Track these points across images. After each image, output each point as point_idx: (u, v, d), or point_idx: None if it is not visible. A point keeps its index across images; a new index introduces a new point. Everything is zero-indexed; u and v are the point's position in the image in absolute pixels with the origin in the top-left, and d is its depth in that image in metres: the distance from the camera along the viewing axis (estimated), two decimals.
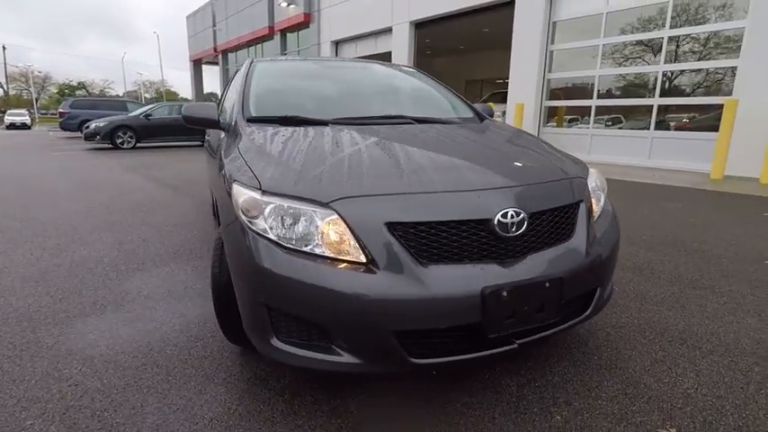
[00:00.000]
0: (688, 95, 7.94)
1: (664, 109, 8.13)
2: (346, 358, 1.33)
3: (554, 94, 9.96)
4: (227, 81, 25.69)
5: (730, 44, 7.12)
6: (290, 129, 1.96)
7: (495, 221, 1.38)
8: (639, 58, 8.48)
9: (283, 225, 1.38)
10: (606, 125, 9.13)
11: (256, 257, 1.35)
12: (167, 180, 6.77)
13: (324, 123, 2.08)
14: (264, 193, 1.42)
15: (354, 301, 1.27)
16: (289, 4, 17.54)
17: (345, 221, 1.34)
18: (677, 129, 8.02)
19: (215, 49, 25.15)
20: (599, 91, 9.05)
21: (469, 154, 1.83)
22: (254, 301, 1.40)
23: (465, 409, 1.53)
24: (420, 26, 13.16)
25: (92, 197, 5.36)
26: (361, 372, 1.36)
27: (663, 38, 7.93)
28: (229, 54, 25.01)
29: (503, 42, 12.17)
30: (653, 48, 8.22)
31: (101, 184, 6.41)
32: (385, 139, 1.87)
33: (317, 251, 1.34)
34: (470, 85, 20.73)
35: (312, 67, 2.88)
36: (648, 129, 8.24)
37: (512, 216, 1.40)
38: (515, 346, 1.42)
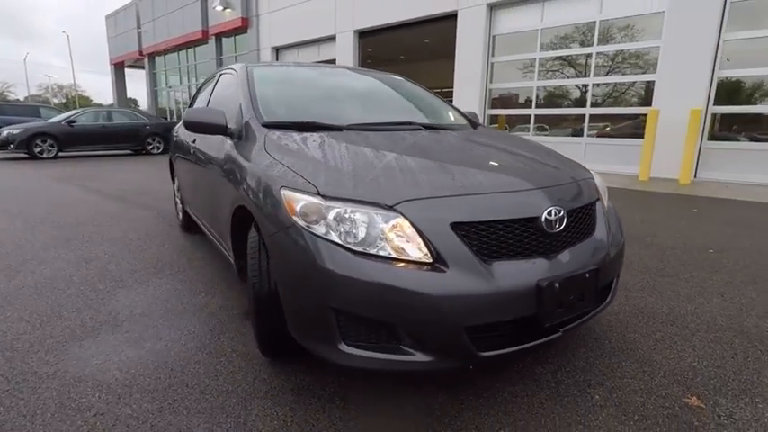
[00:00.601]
0: (615, 106, 8.81)
1: (590, 118, 8.94)
2: (418, 357, 1.36)
3: (494, 103, 10.56)
4: (155, 86, 24.28)
5: (651, 60, 8.03)
6: (318, 134, 1.95)
7: (542, 219, 1.50)
8: (573, 70, 9.27)
9: (348, 229, 1.38)
10: (541, 132, 9.86)
11: (327, 262, 1.34)
12: (111, 192, 6.24)
13: (338, 129, 2.08)
14: (325, 198, 1.42)
15: (428, 299, 1.30)
16: (225, 8, 16.94)
17: (412, 223, 1.37)
18: (598, 136, 8.88)
19: (140, 52, 23.55)
20: (537, 101, 9.75)
21: (497, 157, 1.93)
22: (322, 307, 1.38)
23: (513, 398, 1.62)
24: (364, 35, 13.34)
25: (29, 212, 4.81)
26: (431, 369, 1.39)
27: (592, 53, 8.75)
28: (157, 58, 23.55)
29: (443, 53, 12.72)
30: (583, 62, 9.03)
31: (34, 197, 5.76)
32: (416, 144, 1.92)
33: (383, 253, 1.36)
34: None
35: (310, 74, 2.85)
36: (582, 135, 9.02)
37: (555, 213, 1.52)
38: (560, 333, 1.54)
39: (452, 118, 2.77)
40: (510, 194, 1.53)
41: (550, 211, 1.52)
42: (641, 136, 7.81)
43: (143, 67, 24.86)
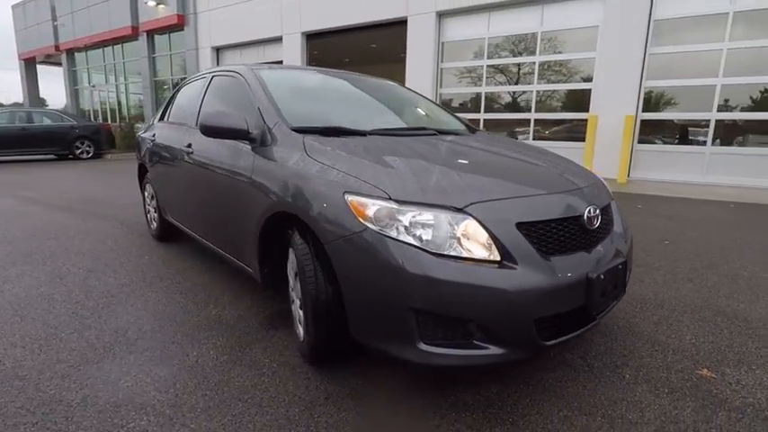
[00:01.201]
0: (558, 111, 9.52)
1: (534, 122, 9.59)
2: (492, 350, 1.44)
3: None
4: (75, 84, 22.21)
5: (588, 69, 8.78)
6: (357, 138, 1.96)
7: (585, 217, 1.64)
8: (517, 76, 9.88)
9: (422, 231, 1.43)
10: None
11: (406, 264, 1.38)
12: (51, 201, 5.67)
13: (362, 134, 2.11)
14: (398, 202, 1.45)
15: (505, 295, 1.39)
16: (158, 4, 15.93)
17: (482, 224, 1.45)
18: (537, 139, 9.57)
19: (57, 47, 21.41)
20: (486, 105, 10.25)
21: (528, 161, 2.05)
22: (400, 308, 1.41)
23: (557, 383, 1.75)
24: (311, 37, 13.21)
25: None
26: (503, 361, 1.47)
27: (535, 62, 9.38)
28: (77, 54, 21.57)
29: (389, 57, 12.95)
30: (528, 70, 9.65)
31: None
32: (452, 150, 2.01)
33: (455, 253, 1.43)
34: None
35: (315, 78, 2.82)
36: (528, 139, 9.63)
37: (593, 211, 1.68)
38: (597, 321, 1.69)
39: (454, 123, 2.88)
40: (559, 195, 1.67)
41: (589, 209, 1.67)
42: (577, 139, 8.51)
43: (59, 64, 22.65)
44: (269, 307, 2.44)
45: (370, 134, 2.13)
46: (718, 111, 7.64)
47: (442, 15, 10.33)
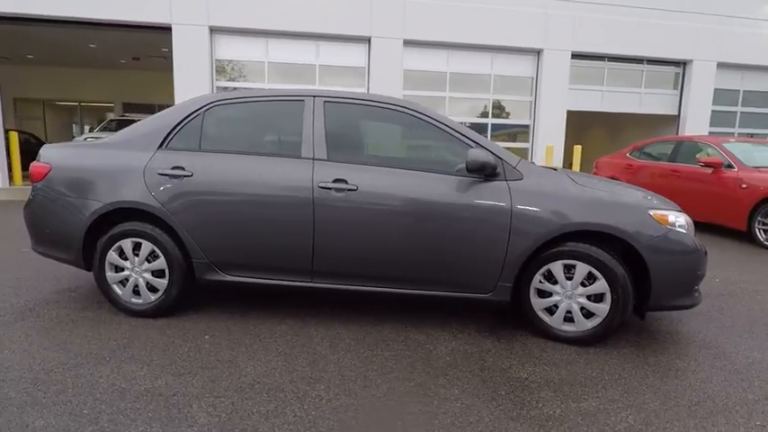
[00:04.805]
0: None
1: None
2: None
3: None
4: None
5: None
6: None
7: None
8: None
9: (685, 224, 2.52)
10: None
11: (690, 244, 2.47)
12: None
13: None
14: (675, 211, 2.49)
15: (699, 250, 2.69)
16: None
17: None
18: None
19: None
20: None
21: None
22: (695, 276, 2.50)
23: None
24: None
25: None
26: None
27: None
28: None
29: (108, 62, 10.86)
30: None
31: None
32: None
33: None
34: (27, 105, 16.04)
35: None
36: None
37: None
38: None
39: None
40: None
41: None
42: None
43: None
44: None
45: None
46: None
47: (214, 31, 9.82)
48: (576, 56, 10.96)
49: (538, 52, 10.95)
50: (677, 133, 11.68)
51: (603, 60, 11.37)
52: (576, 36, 10.82)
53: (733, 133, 11.99)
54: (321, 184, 2.55)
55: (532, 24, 10.65)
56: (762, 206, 5.27)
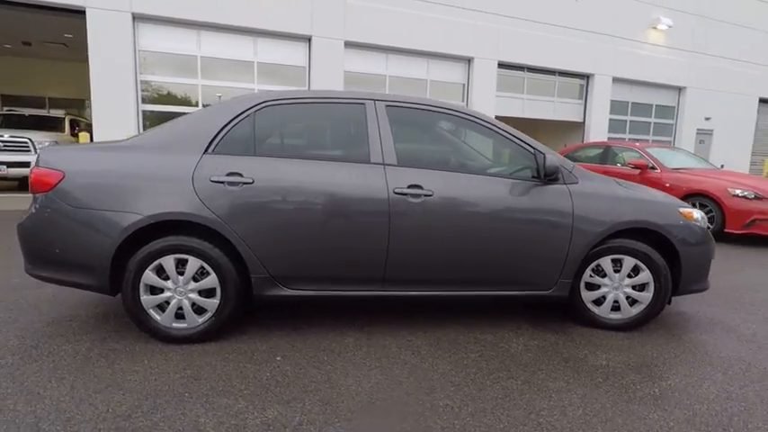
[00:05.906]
0: None
1: None
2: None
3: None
4: None
5: None
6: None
7: None
8: None
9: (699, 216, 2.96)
10: None
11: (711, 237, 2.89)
12: None
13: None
14: (695, 209, 2.90)
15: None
16: None
17: None
18: None
19: None
20: None
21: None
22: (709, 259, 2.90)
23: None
24: None
25: None
26: None
27: (255, 89, 9.89)
28: None
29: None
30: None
31: None
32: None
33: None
34: None
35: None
36: None
37: None
38: None
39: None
40: None
41: None
42: None
43: None
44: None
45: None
46: None
47: (137, 18, 8.78)
48: (501, 65, 11.89)
49: (469, 60, 11.66)
50: (583, 139, 13.28)
51: (524, 71, 12.49)
52: (501, 47, 11.72)
53: (624, 138, 13.99)
54: (397, 190, 2.50)
55: (464, 34, 11.29)
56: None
